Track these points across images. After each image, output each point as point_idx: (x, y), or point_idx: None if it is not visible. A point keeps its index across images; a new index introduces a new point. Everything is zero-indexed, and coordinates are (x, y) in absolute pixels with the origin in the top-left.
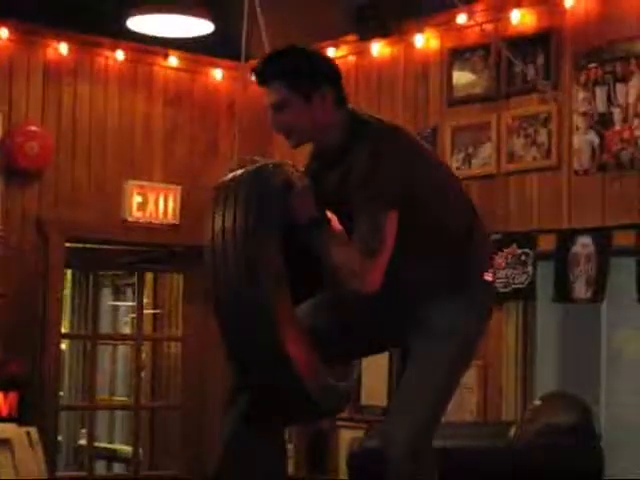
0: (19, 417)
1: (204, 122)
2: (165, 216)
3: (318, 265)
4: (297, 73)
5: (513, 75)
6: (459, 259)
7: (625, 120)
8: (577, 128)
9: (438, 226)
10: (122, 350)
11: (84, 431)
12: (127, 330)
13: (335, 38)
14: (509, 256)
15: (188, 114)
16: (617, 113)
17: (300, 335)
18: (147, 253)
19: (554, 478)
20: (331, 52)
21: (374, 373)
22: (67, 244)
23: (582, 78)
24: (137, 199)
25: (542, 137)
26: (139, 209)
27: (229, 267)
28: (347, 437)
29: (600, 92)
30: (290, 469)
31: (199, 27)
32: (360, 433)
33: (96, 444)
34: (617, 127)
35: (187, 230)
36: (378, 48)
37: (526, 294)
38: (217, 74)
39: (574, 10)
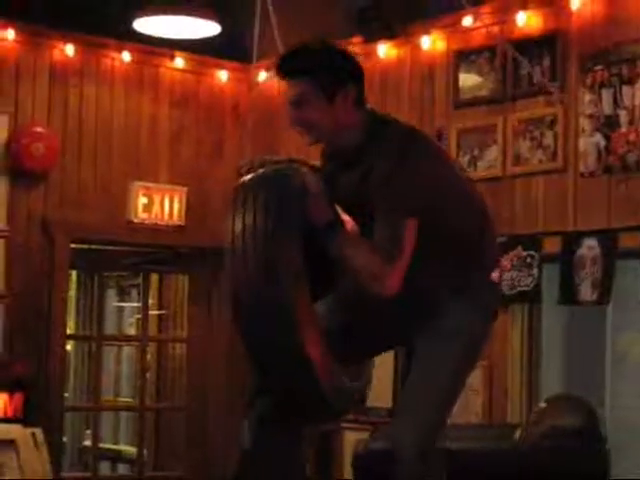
0: (24, 418)
1: (210, 123)
2: (170, 217)
3: (333, 267)
4: (323, 69)
5: (519, 77)
6: (469, 260)
7: (631, 122)
8: (583, 130)
9: (454, 230)
10: (127, 351)
11: (89, 432)
12: (132, 331)
13: (340, 40)
14: (514, 258)
15: (194, 115)
16: (623, 115)
17: (319, 336)
18: (152, 254)
19: None
20: None
21: (379, 375)
22: (72, 245)
23: (588, 80)
24: (143, 200)
25: (548, 139)
26: (145, 210)
27: (249, 269)
28: (352, 439)
29: (606, 94)
30: None
31: (205, 29)
32: (365, 435)
33: (101, 445)
34: (623, 129)
35: (192, 231)
36: (384, 50)
37: (531, 296)
38: (223, 76)
39: (580, 12)
